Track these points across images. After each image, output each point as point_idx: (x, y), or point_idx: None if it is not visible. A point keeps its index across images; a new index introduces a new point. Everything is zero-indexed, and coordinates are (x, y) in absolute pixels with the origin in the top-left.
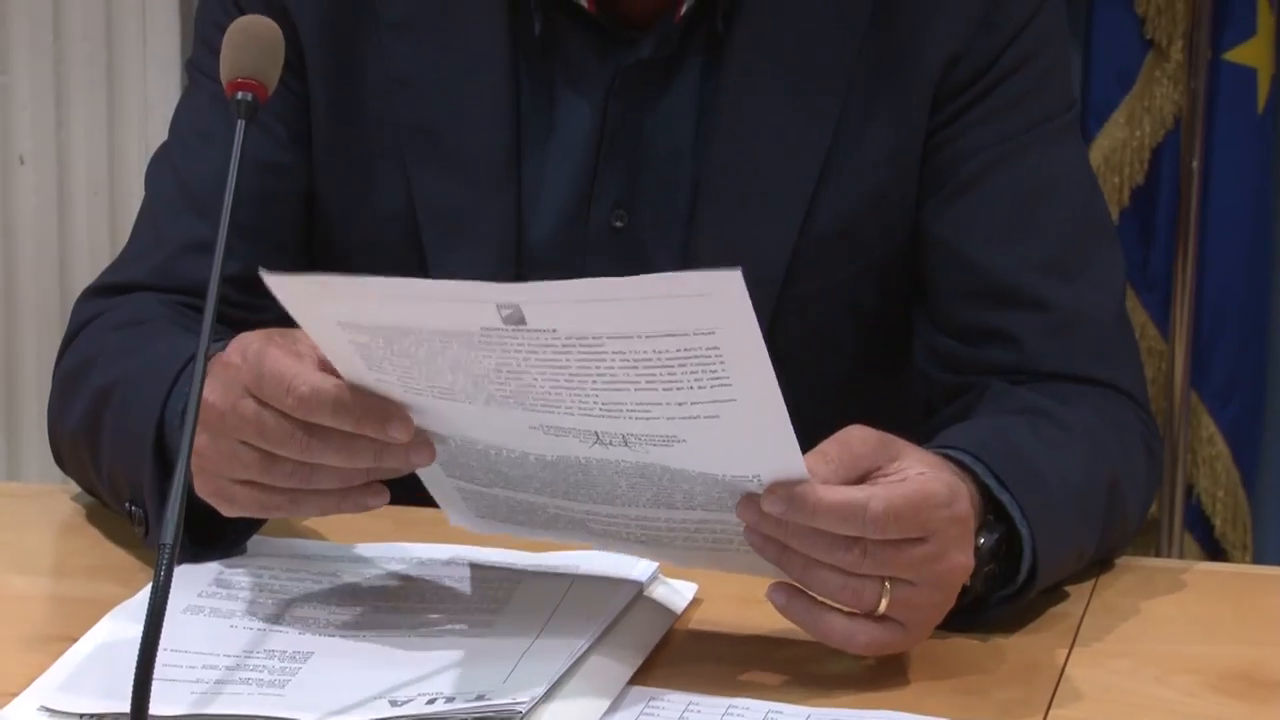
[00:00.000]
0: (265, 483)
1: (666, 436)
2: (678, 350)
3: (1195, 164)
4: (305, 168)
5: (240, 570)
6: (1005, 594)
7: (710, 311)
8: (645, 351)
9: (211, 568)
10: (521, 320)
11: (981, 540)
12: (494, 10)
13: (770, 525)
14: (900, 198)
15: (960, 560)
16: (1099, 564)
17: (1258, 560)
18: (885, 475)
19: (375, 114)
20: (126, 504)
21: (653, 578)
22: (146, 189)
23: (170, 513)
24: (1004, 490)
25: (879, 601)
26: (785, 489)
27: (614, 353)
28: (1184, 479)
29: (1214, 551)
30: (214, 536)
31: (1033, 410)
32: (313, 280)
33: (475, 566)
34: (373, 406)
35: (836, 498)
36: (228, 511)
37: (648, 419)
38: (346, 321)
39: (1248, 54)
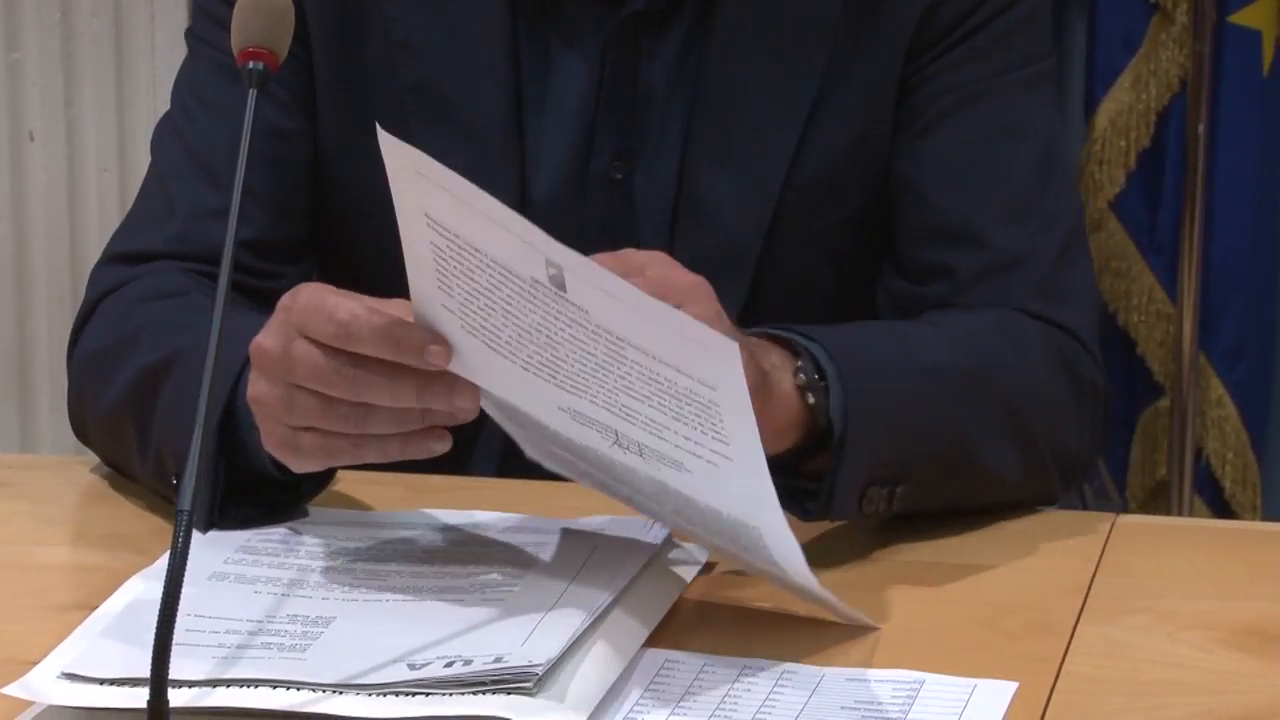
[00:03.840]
0: (325, 428)
1: (675, 461)
2: (685, 389)
3: (1201, 127)
4: (311, 133)
5: (265, 537)
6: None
7: (710, 368)
8: (658, 374)
9: (237, 535)
10: (563, 286)
11: (799, 363)
12: None
13: None
14: (877, 143)
15: (686, 276)
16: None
17: (1268, 521)
18: None
19: (377, 78)
20: (174, 479)
21: (667, 541)
22: (152, 157)
23: (188, 478)
24: (812, 342)
25: None
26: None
27: (633, 361)
28: (1193, 441)
29: (1223, 513)
30: (279, 501)
31: (911, 320)
32: (414, 153)
33: (500, 530)
34: (413, 334)
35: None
36: (296, 465)
37: (658, 438)
38: (431, 215)
39: (1253, 16)
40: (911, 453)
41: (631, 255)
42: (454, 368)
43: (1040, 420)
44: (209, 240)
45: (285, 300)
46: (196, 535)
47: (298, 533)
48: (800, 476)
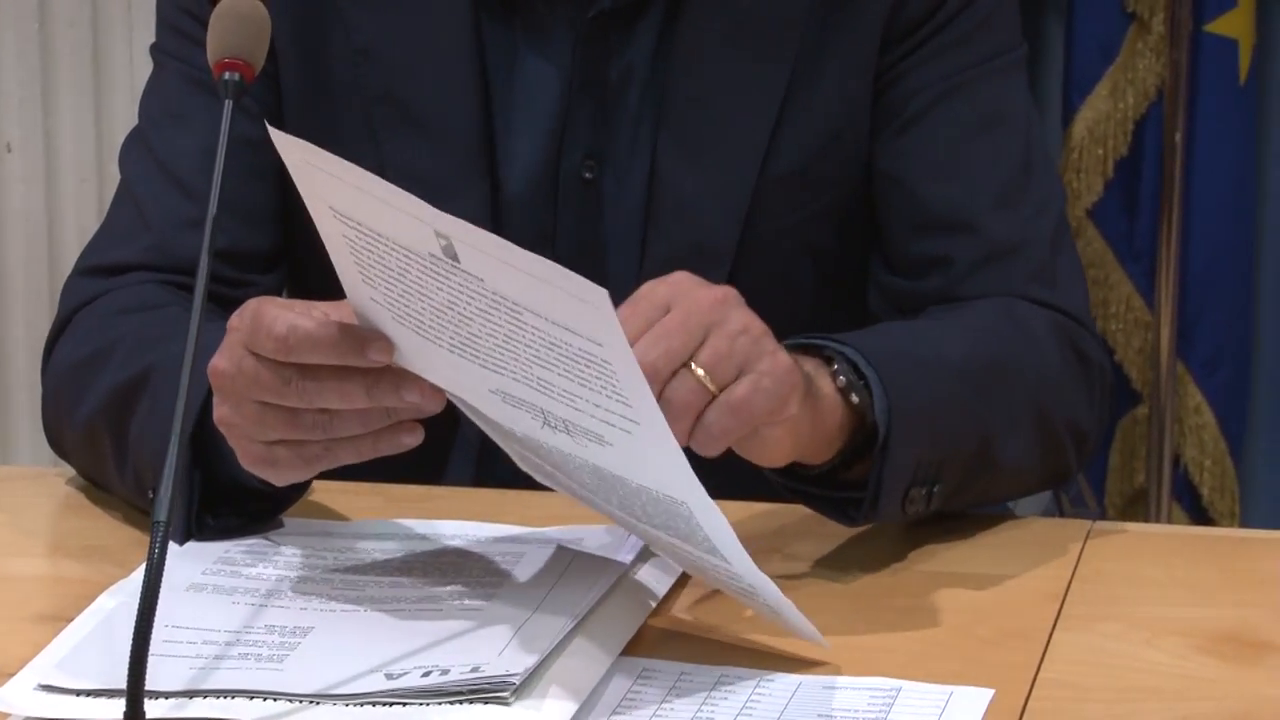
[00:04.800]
0: (295, 438)
1: (596, 435)
2: (579, 350)
3: (1178, 135)
4: None
5: (244, 548)
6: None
7: (589, 321)
8: (555, 338)
9: (216, 546)
10: (455, 256)
11: (836, 367)
12: None
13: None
14: (854, 138)
15: (708, 296)
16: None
17: (1245, 528)
18: None
19: (342, 86)
20: (150, 492)
21: (644, 550)
22: (122, 172)
23: (164, 490)
24: (844, 345)
25: (697, 382)
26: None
27: (532, 327)
28: (1171, 448)
29: (1201, 520)
30: (260, 510)
31: (921, 318)
32: (305, 146)
33: (478, 541)
34: (351, 335)
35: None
36: (277, 479)
37: (575, 410)
38: (335, 207)
39: (1229, 25)
40: (947, 451)
41: (655, 290)
42: (400, 361)
43: (1057, 406)
44: (183, 251)
45: (233, 320)
46: (175, 546)
47: (276, 544)
48: (840, 486)
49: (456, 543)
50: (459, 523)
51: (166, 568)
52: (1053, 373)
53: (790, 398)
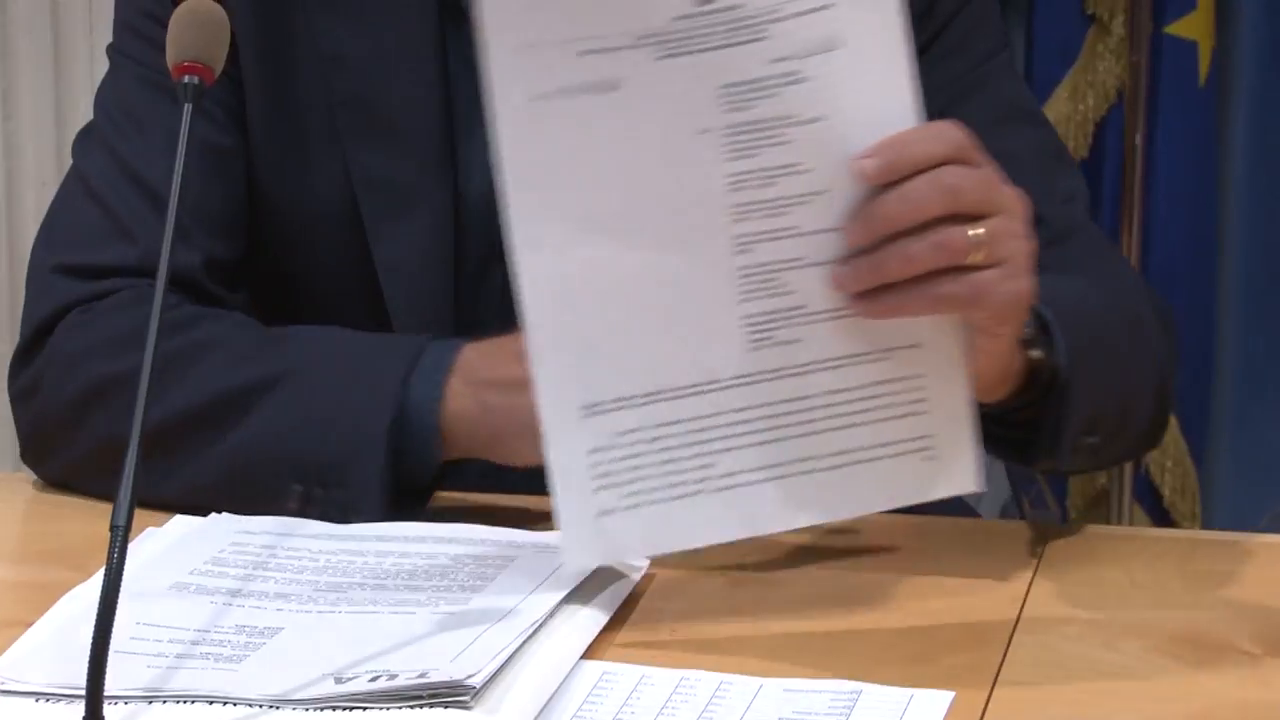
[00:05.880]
0: None
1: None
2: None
3: (1139, 137)
4: (245, 149)
5: (240, 548)
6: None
7: None
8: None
9: (212, 545)
10: None
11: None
12: None
13: (865, 218)
14: None
15: (1018, 190)
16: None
17: (1206, 529)
18: None
19: (308, 92)
20: (295, 486)
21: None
22: (80, 167)
23: (123, 495)
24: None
25: (972, 241)
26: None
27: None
28: None
29: (1163, 522)
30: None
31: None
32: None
33: (472, 544)
34: None
35: (917, 130)
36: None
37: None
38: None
39: (1189, 27)
40: (1105, 404)
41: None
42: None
43: (1165, 363)
44: (177, 263)
45: None
46: (170, 544)
47: (273, 545)
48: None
49: (451, 547)
50: (459, 526)
51: (154, 567)
52: (1156, 333)
53: (1018, 321)
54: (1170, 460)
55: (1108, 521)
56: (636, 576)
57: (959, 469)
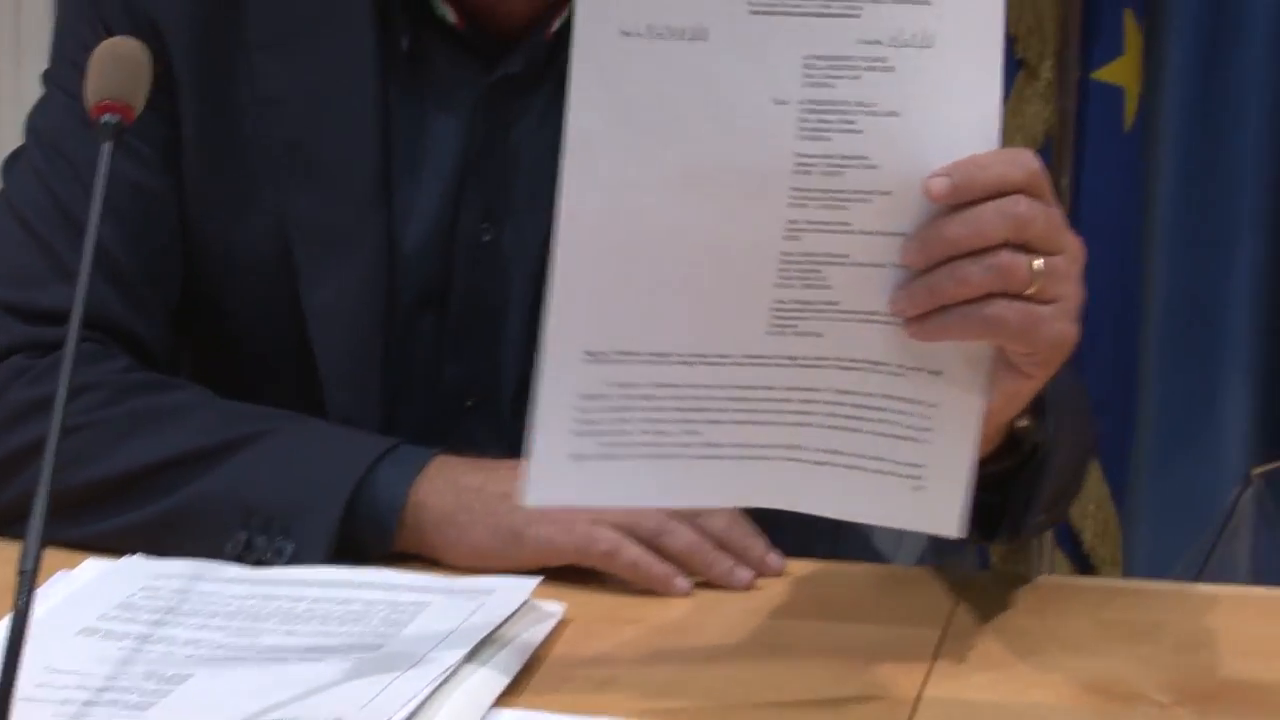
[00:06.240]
0: None
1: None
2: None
3: (1066, 181)
4: (179, 191)
5: (152, 593)
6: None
7: None
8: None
9: (123, 589)
10: None
11: None
12: (362, 28)
13: (926, 240)
14: None
15: (1078, 238)
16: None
17: (1127, 573)
18: None
19: (246, 134)
20: (239, 532)
21: (525, 605)
22: (11, 196)
23: (30, 540)
24: None
25: (1032, 273)
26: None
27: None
28: None
29: (1084, 566)
30: None
31: None
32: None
33: (389, 588)
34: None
35: (995, 154)
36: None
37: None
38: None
39: (1116, 73)
40: (1066, 479)
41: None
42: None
43: (1091, 428)
44: (108, 310)
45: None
46: (80, 588)
47: (186, 590)
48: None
49: (365, 591)
50: (373, 570)
51: (63, 611)
52: (1088, 403)
53: (1056, 365)
54: (1092, 504)
55: (1029, 565)
56: (550, 624)
57: (944, 509)
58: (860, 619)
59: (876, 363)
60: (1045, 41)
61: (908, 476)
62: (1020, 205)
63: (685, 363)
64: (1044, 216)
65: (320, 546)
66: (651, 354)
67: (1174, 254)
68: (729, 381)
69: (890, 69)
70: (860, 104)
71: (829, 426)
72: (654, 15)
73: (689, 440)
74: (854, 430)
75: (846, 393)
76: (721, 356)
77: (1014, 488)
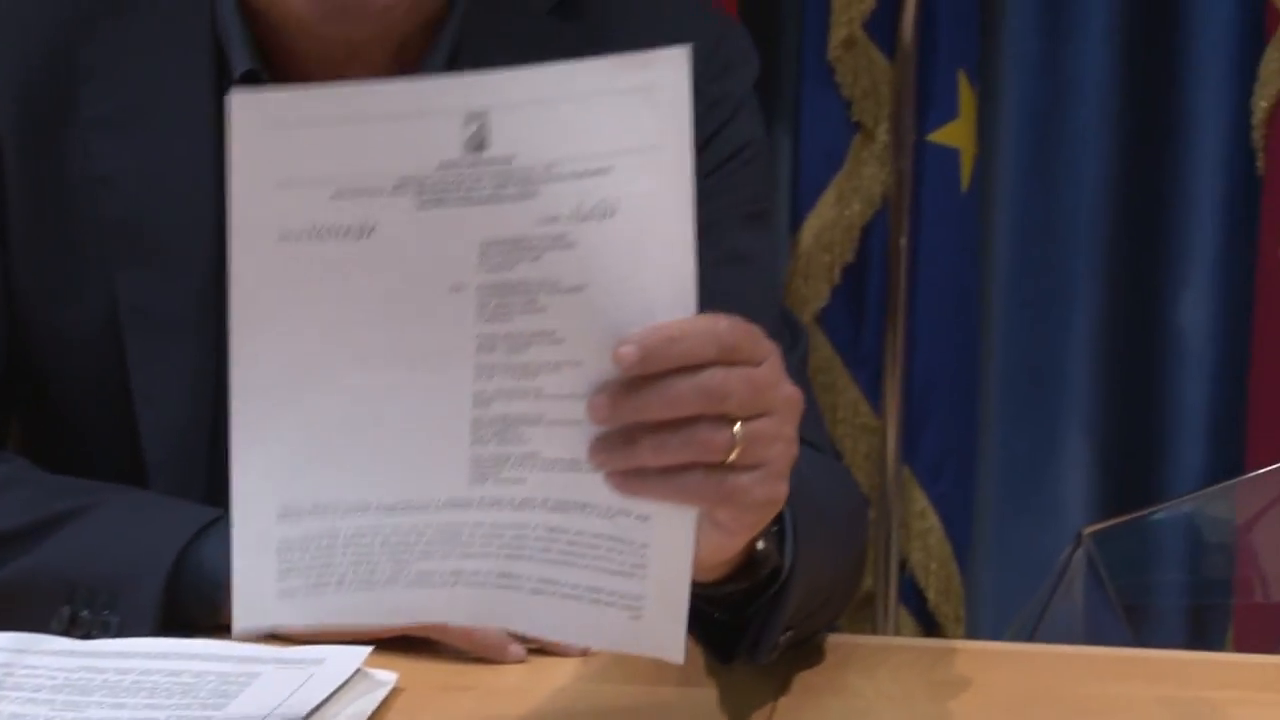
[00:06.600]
0: None
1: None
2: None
3: (903, 242)
4: (3, 266)
5: None
6: (776, 590)
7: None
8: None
9: None
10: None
11: None
12: (200, 107)
13: (616, 400)
14: None
15: (794, 391)
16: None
17: (970, 632)
18: None
19: (77, 213)
20: (63, 608)
21: (355, 671)
22: None
23: None
24: None
25: (731, 442)
26: (632, 338)
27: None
28: (898, 553)
29: (928, 624)
30: None
31: None
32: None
33: (219, 659)
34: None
35: (687, 325)
36: None
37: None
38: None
39: (951, 135)
40: (813, 600)
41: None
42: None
43: (852, 547)
44: None
45: None
46: None
47: (10, 664)
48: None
49: (194, 663)
50: (202, 641)
51: None
52: (849, 514)
53: (762, 525)
54: (935, 563)
55: (874, 624)
56: (382, 693)
57: (665, 638)
58: (696, 682)
59: (585, 504)
60: (880, 104)
61: (625, 607)
62: (715, 379)
63: (387, 510)
64: (744, 386)
65: (146, 619)
66: (350, 506)
67: (1011, 314)
68: (436, 521)
69: (572, 245)
70: (542, 283)
71: (543, 560)
72: (315, 217)
73: (399, 572)
74: (568, 564)
75: (558, 530)
76: (424, 503)
77: (755, 608)
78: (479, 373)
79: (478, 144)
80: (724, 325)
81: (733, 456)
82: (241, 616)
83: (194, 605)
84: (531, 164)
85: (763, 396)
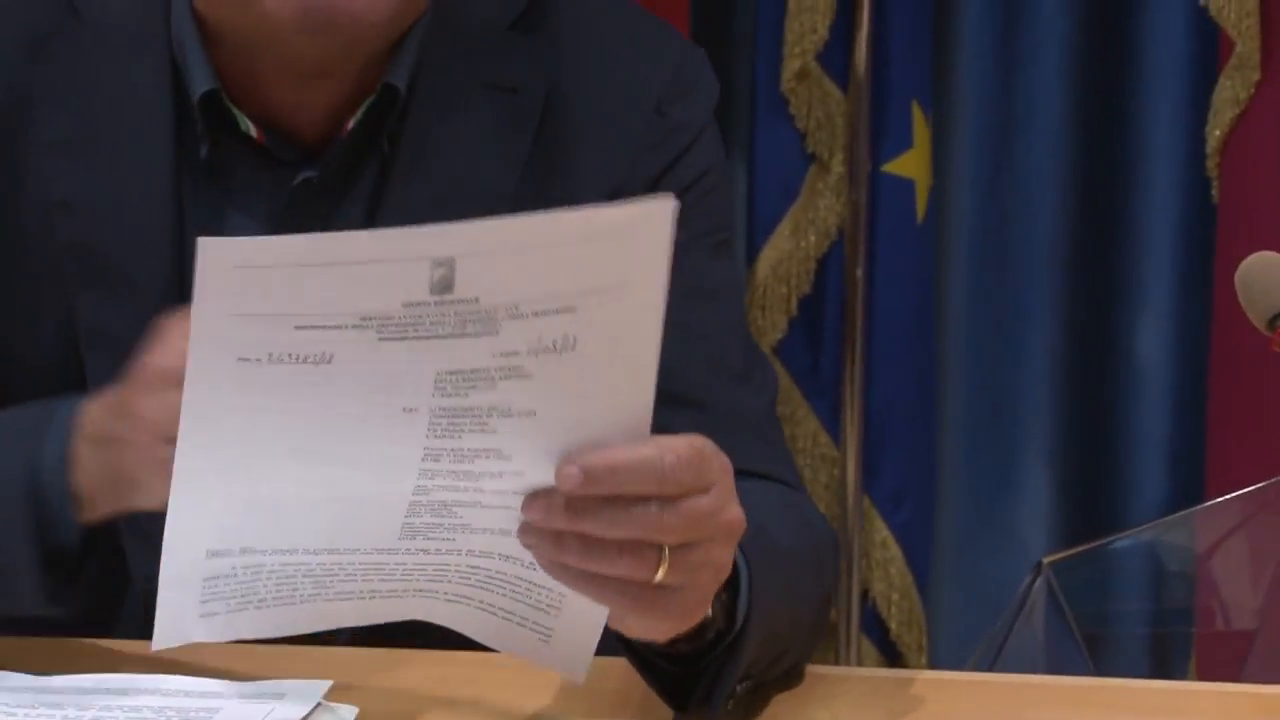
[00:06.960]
0: None
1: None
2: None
3: (859, 272)
4: None
5: None
6: (730, 640)
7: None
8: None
9: None
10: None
11: None
12: (160, 134)
13: (552, 508)
14: None
15: (738, 513)
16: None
17: (932, 661)
18: None
19: (34, 236)
20: None
21: (316, 705)
22: None
23: None
24: None
25: (658, 563)
26: (576, 458)
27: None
28: (859, 583)
29: (891, 654)
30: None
31: None
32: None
33: (176, 694)
34: None
35: (632, 455)
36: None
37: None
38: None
39: (906, 165)
40: (770, 650)
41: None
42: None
43: (816, 589)
44: None
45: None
46: None
47: None
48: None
49: (154, 699)
50: (162, 676)
51: None
52: (808, 558)
53: (685, 626)
54: (896, 593)
55: (836, 655)
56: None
57: (572, 661)
58: (652, 714)
59: (508, 557)
60: (835, 136)
61: (538, 633)
62: (649, 516)
63: (313, 553)
64: (680, 521)
65: (27, 570)
66: (277, 549)
67: (968, 343)
68: (359, 562)
69: (528, 376)
70: (494, 408)
71: (462, 584)
72: (274, 345)
73: (319, 593)
74: (487, 589)
75: (480, 568)
76: (352, 551)
77: (706, 662)
78: (422, 474)
79: (444, 286)
80: (670, 460)
81: (658, 577)
82: (160, 638)
83: (60, 533)
84: (495, 304)
85: (700, 526)
